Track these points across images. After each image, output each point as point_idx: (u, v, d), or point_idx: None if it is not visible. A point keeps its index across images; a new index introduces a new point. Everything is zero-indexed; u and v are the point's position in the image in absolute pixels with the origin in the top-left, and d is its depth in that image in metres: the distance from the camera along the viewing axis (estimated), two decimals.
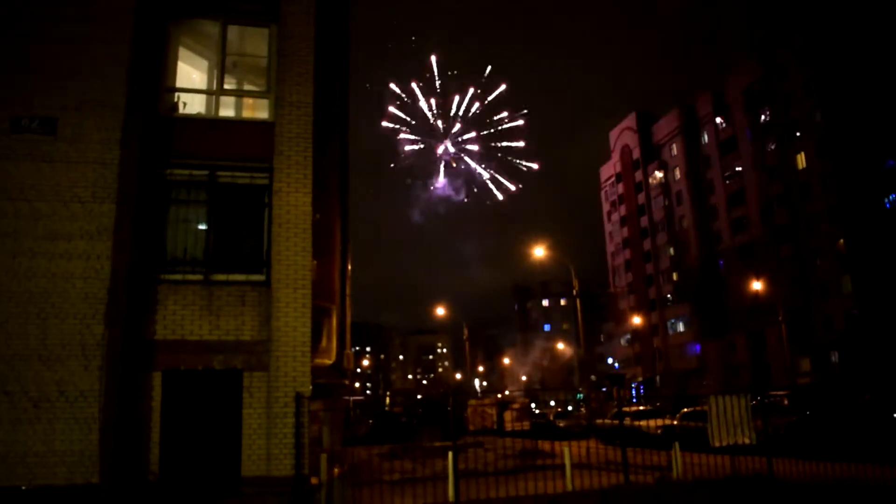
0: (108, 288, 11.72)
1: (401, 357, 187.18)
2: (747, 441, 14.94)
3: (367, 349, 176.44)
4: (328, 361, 16.41)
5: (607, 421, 31.83)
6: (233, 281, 12.51)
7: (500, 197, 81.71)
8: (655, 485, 14.23)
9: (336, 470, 13.51)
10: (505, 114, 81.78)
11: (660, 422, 30.22)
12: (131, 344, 11.82)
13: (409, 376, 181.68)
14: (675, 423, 29.14)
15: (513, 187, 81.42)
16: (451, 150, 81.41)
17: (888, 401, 24.67)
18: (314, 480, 12.31)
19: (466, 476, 16.26)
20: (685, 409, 29.95)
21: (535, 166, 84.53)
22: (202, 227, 12.79)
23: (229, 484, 11.80)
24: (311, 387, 12.65)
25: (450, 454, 13.64)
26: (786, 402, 34.77)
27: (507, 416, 26.91)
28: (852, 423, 21.77)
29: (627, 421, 31.13)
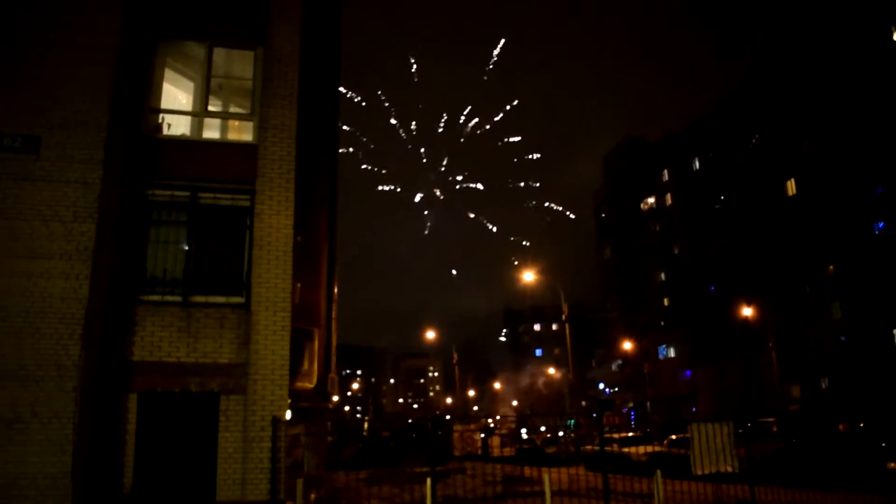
0: (86, 308, 11.63)
1: (392, 380, 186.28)
2: (730, 469, 14.86)
3: (358, 372, 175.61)
4: (309, 385, 16.34)
5: (595, 447, 31.64)
6: (212, 303, 12.46)
7: (494, 229, 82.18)
8: None
9: (312, 496, 13.39)
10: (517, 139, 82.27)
11: (647, 448, 30.11)
12: (108, 365, 11.74)
13: (400, 400, 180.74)
14: (662, 449, 29.04)
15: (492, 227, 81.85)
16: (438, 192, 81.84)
17: (874, 429, 24.65)
18: None
19: (448, 503, 16.14)
20: (672, 436, 29.86)
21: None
22: (183, 248, 12.77)
23: None
24: (289, 411, 12.57)
25: (428, 481, 13.53)
26: (775, 428, 34.76)
27: (493, 441, 26.75)
28: (838, 451, 21.73)
29: (615, 448, 31.02)
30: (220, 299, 12.55)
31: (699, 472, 14.87)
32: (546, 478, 14.71)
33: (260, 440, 11.83)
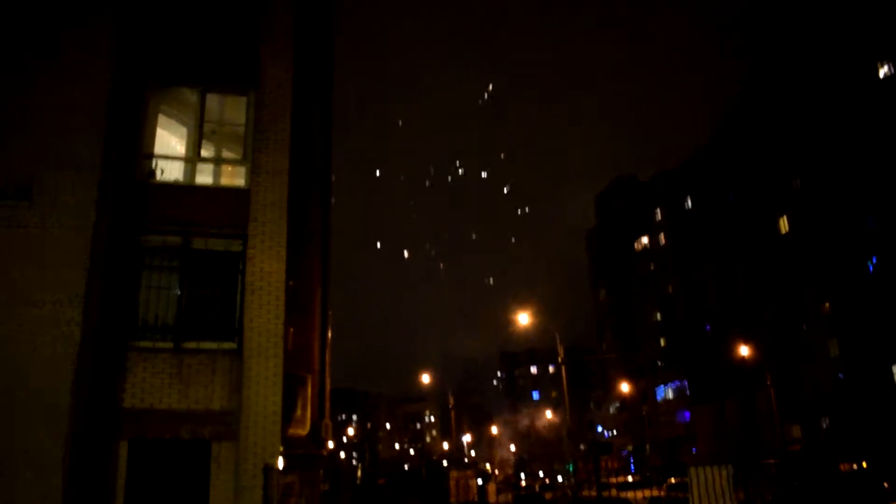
0: (77, 355, 11.52)
1: (388, 425, 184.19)
2: None
3: (354, 417, 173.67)
4: (302, 432, 16.14)
5: (593, 493, 31.23)
6: (204, 349, 12.36)
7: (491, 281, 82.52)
8: None
9: None
10: None
11: (647, 493, 29.75)
12: (99, 412, 11.58)
13: (397, 445, 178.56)
14: (662, 493, 28.72)
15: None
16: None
17: (876, 469, 24.41)
18: None
19: None
20: (672, 480, 29.59)
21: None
22: (175, 293, 12.70)
23: None
24: (281, 458, 12.39)
25: None
26: (774, 470, 34.40)
27: (490, 487, 26.35)
28: (839, 493, 21.48)
29: (614, 492, 30.63)
30: (212, 345, 12.45)
31: None
32: None
33: (252, 488, 11.63)
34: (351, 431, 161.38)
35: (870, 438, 49.70)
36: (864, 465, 27.21)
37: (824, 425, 59.39)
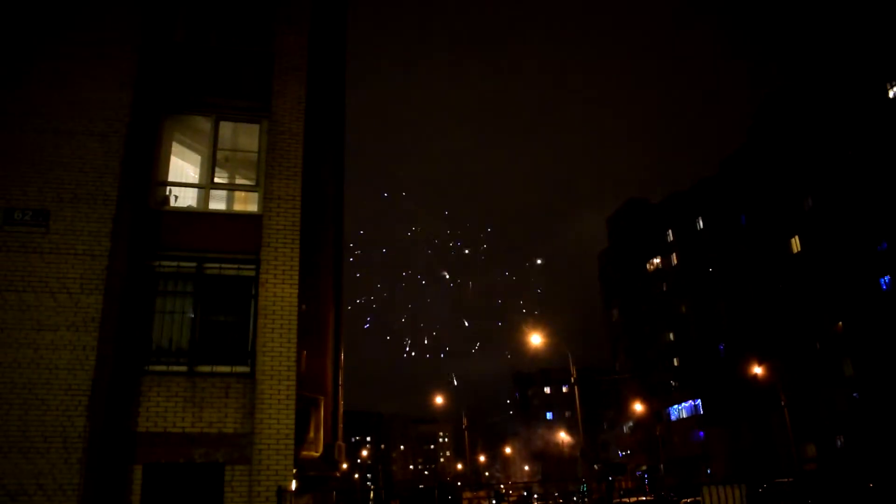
0: (92, 379, 11.68)
1: (401, 447, 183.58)
2: None
3: (368, 439, 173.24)
4: (315, 454, 16.19)
5: None
6: (217, 372, 12.50)
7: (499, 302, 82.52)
8: None
9: None
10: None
11: None
12: (113, 437, 11.72)
13: (411, 466, 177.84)
14: None
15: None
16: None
17: (890, 489, 24.20)
18: None
19: None
20: (687, 501, 29.35)
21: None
22: (188, 318, 12.87)
23: None
24: (294, 481, 12.47)
25: None
26: (789, 489, 34.08)
27: None
28: None
29: None
30: (226, 369, 12.59)
31: None
32: None
33: None
34: (365, 453, 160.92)
35: (885, 457, 49.18)
36: (879, 483, 26.95)
37: (839, 444, 58.85)
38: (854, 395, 57.28)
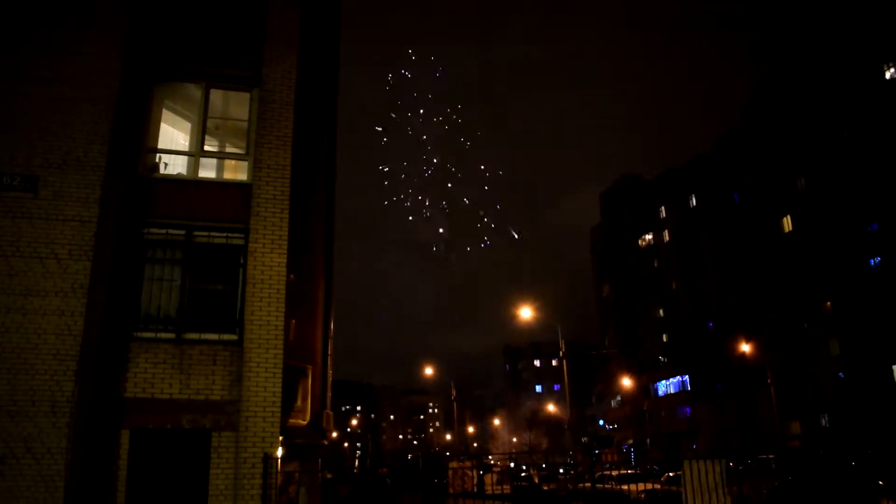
0: (80, 345, 11.77)
1: (392, 417, 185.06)
2: None
3: (358, 408, 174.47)
4: (303, 422, 16.39)
5: (595, 485, 31.38)
6: (205, 340, 12.58)
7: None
8: None
9: None
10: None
11: (645, 485, 29.88)
12: (101, 401, 11.82)
13: (400, 436, 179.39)
14: (659, 486, 28.87)
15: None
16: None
17: (872, 466, 24.54)
18: None
19: None
20: (670, 474, 29.67)
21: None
22: (177, 285, 12.90)
23: None
24: (281, 448, 12.63)
25: None
26: (773, 465, 34.55)
27: (488, 479, 26.60)
28: (834, 488, 21.63)
29: (613, 485, 30.80)
30: (213, 336, 12.67)
31: None
32: None
33: (251, 477, 11.87)
34: (355, 422, 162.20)
35: (868, 435, 49.86)
36: (862, 461, 27.34)
37: (824, 422, 59.57)
38: (840, 374, 57.88)
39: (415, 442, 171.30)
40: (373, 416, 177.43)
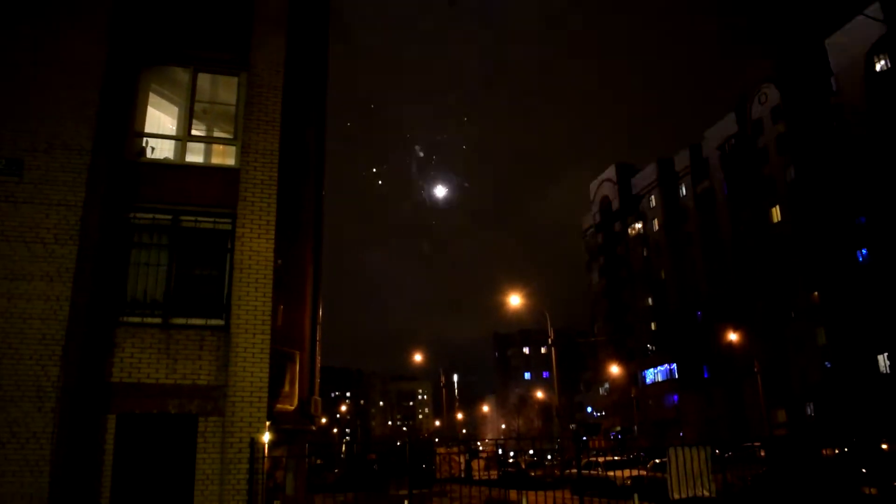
0: (66, 329, 11.69)
1: (381, 403, 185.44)
2: (706, 493, 14.97)
3: (347, 394, 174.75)
4: (290, 407, 16.38)
5: (582, 471, 31.54)
6: (192, 325, 12.56)
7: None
8: None
9: None
10: None
11: (632, 472, 30.08)
12: (87, 386, 11.79)
13: (389, 422, 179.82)
14: (646, 473, 29.09)
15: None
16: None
17: (855, 455, 24.79)
18: None
19: None
20: (656, 460, 29.88)
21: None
22: (163, 270, 12.86)
23: None
24: (267, 433, 12.63)
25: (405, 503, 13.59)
26: (761, 452, 34.84)
27: (475, 464, 26.70)
28: (818, 476, 21.85)
29: (599, 471, 31.00)
30: (200, 321, 12.64)
31: (676, 496, 14.98)
32: (524, 501, 14.79)
33: (237, 462, 11.88)
34: (344, 408, 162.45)
35: (853, 424, 50.33)
36: (836, 452, 27.61)
37: (809, 411, 60.11)
38: (826, 363, 58.33)
39: (404, 428, 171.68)
40: (362, 402, 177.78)
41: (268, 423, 12.75)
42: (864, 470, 21.69)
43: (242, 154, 13.39)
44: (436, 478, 26.79)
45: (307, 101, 19.73)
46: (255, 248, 12.84)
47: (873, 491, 19.78)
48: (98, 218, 12.38)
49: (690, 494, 14.96)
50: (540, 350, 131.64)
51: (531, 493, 22.13)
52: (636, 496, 15.36)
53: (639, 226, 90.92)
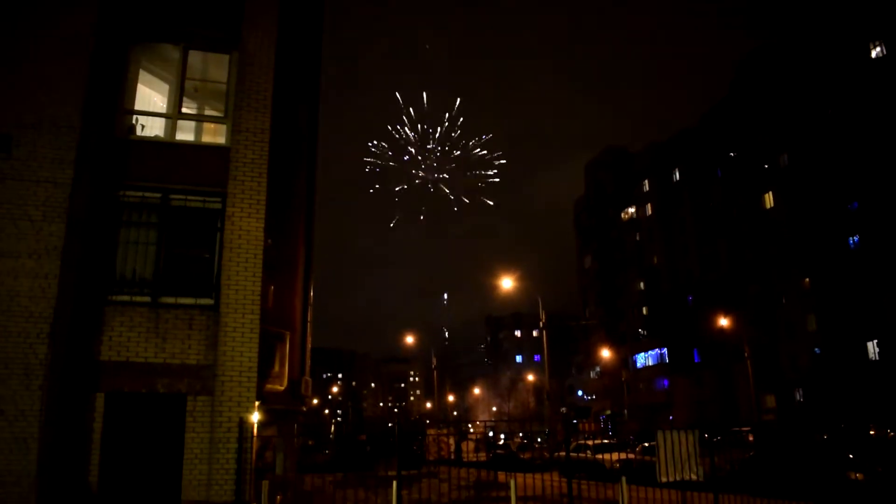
0: (54, 307, 11.63)
1: (373, 384, 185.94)
2: (694, 477, 15.06)
3: (339, 376, 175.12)
4: (280, 387, 16.37)
5: (571, 454, 31.76)
6: (181, 304, 12.52)
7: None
8: None
9: (279, 497, 13.44)
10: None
11: (621, 455, 30.31)
12: (75, 364, 11.76)
13: (381, 404, 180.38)
14: (635, 456, 29.31)
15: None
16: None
17: (842, 440, 25.06)
18: None
19: None
20: (645, 444, 30.10)
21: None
22: (153, 249, 12.79)
23: None
24: (256, 413, 12.63)
25: (394, 484, 13.63)
26: (750, 437, 35.13)
27: (465, 446, 26.85)
28: (805, 461, 22.03)
29: (589, 454, 31.23)
30: (190, 301, 12.61)
31: (664, 480, 15.07)
32: (512, 483, 14.86)
33: (226, 441, 11.89)
34: (336, 389, 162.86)
35: (842, 411, 50.71)
36: (825, 437, 27.89)
37: (798, 397, 60.48)
38: (816, 349, 58.65)
39: (396, 410, 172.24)
40: (354, 383, 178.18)
41: (257, 403, 12.75)
42: (850, 455, 21.87)
43: (233, 132, 13.29)
44: (426, 459, 26.92)
45: (300, 78, 19.57)
46: (245, 228, 12.78)
47: (860, 476, 19.96)
48: (87, 195, 12.30)
49: (678, 478, 15.05)
50: (532, 333, 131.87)
51: (520, 476, 22.25)
52: (624, 479, 15.43)
53: (632, 210, 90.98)
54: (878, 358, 53.01)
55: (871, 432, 37.37)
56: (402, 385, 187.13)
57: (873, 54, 55.43)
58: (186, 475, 11.84)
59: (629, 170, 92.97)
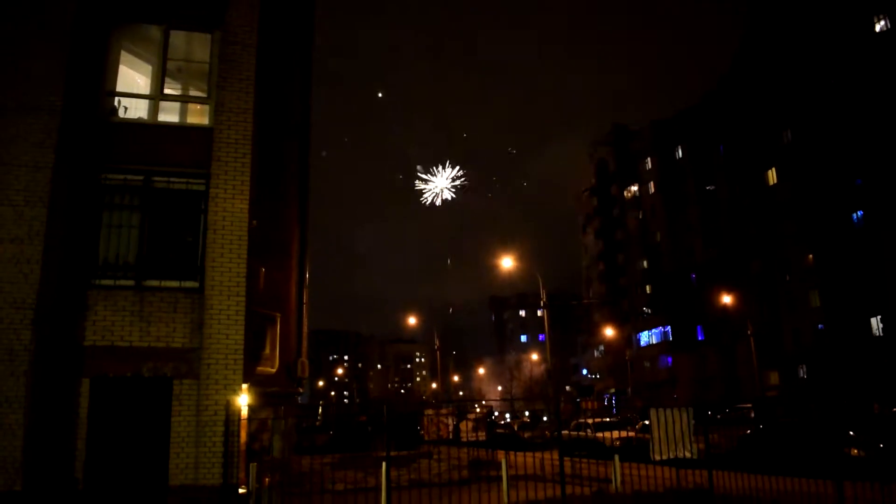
0: (37, 292, 11.53)
1: (378, 366, 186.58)
2: (688, 455, 14.97)
3: (345, 357, 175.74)
4: (271, 370, 16.30)
5: (571, 432, 31.86)
6: (165, 287, 12.41)
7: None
8: (592, 498, 14.25)
9: (267, 479, 13.40)
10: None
11: (621, 433, 30.31)
12: (60, 349, 11.69)
13: (388, 385, 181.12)
14: (634, 434, 29.32)
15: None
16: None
17: (843, 416, 24.92)
18: (243, 490, 12.19)
19: (413, 487, 16.27)
20: (645, 422, 30.09)
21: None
22: (136, 232, 12.67)
23: (156, 492, 11.66)
24: (247, 395, 12.56)
25: (384, 465, 13.58)
26: (752, 413, 35.12)
27: (463, 426, 26.85)
28: (804, 437, 21.94)
29: (588, 432, 31.25)
30: (174, 283, 12.50)
31: (657, 458, 15.00)
32: (503, 462, 14.83)
33: (213, 424, 11.83)
34: (341, 371, 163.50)
35: (845, 387, 50.62)
36: (835, 411, 27.76)
37: (802, 373, 60.42)
38: (819, 326, 58.49)
39: (402, 390, 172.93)
40: (360, 364, 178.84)
41: (245, 386, 12.68)
42: (850, 432, 21.76)
43: (216, 113, 13.10)
44: (423, 439, 26.92)
45: (290, 57, 19.32)
46: (230, 209, 12.63)
47: (862, 453, 19.85)
48: (69, 179, 12.17)
49: (672, 456, 14.98)
50: (536, 313, 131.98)
51: (519, 455, 22.24)
52: (616, 457, 15.39)
53: (635, 188, 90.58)
54: (881, 334, 52.84)
55: (875, 409, 37.26)
56: (409, 366, 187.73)
57: (877, 28, 54.74)
58: (173, 459, 11.80)
59: (632, 147, 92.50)
